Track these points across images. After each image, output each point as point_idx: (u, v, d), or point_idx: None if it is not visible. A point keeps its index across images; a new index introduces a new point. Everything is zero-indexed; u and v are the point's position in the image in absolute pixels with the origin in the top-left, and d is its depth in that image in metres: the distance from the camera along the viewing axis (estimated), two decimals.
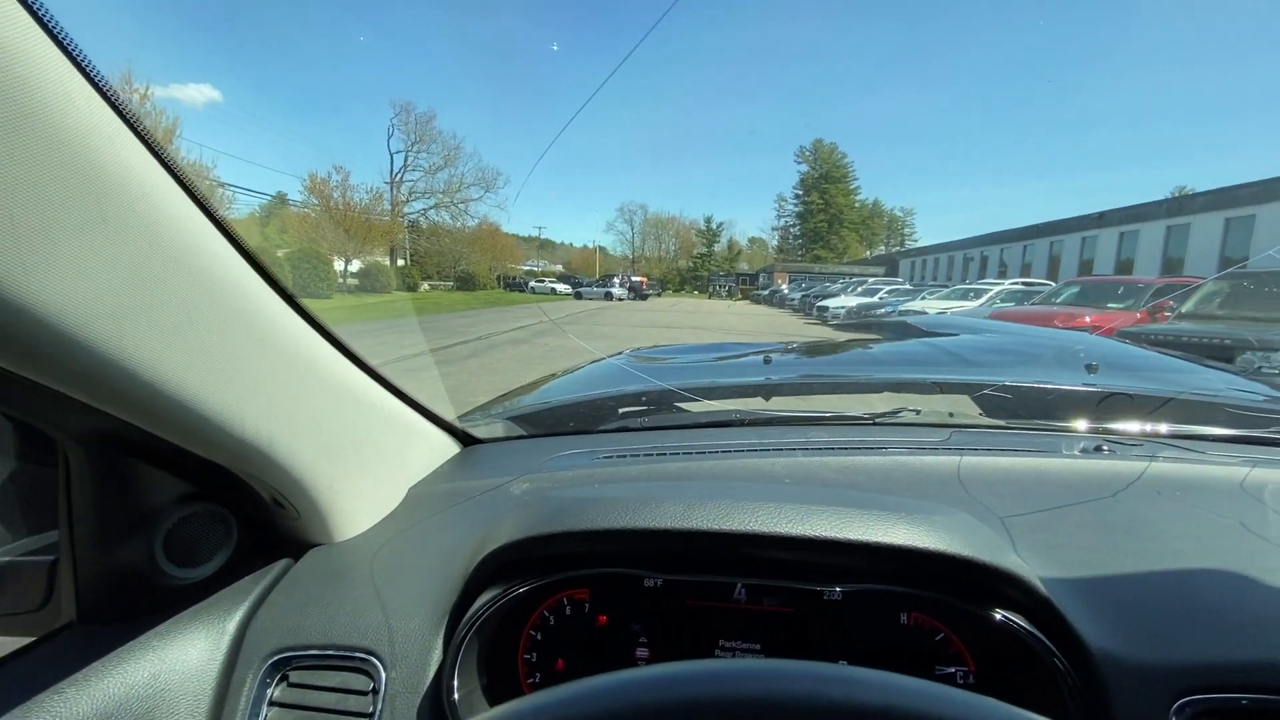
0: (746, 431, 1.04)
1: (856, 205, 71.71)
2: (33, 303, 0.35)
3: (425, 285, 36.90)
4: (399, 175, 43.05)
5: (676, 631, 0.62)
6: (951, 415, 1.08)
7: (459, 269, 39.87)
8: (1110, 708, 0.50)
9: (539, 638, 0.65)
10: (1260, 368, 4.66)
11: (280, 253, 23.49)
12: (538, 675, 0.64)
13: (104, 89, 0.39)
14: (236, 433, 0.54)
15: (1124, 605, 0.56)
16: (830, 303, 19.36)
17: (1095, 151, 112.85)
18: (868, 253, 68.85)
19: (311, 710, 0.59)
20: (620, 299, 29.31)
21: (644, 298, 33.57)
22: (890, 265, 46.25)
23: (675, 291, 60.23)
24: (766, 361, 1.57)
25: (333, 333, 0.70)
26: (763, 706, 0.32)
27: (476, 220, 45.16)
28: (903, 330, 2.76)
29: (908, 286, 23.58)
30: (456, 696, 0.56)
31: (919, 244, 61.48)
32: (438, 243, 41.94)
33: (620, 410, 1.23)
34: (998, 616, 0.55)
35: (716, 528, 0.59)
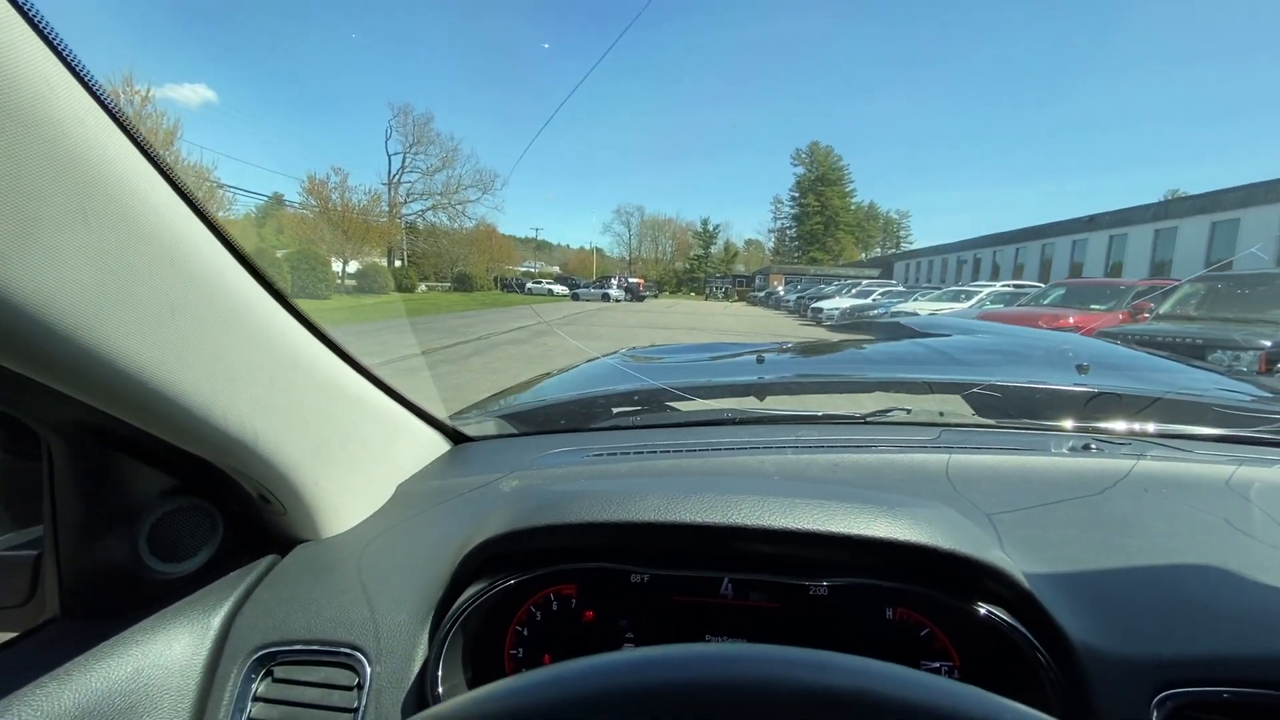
0: (738, 430, 1.04)
1: (852, 208, 72.06)
2: (10, 293, 0.35)
3: (422, 286, 36.93)
4: (397, 177, 43.10)
5: (663, 627, 0.62)
6: (942, 414, 1.09)
7: (456, 270, 39.86)
8: (1092, 701, 0.50)
9: (526, 633, 0.65)
10: (1230, 366, 4.76)
11: (279, 254, 23.46)
12: (524, 671, 0.64)
13: (85, 79, 0.39)
14: (221, 427, 0.54)
15: (1107, 600, 0.56)
16: (824, 304, 19.52)
17: (1090, 154, 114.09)
18: (863, 255, 69.22)
19: (296, 705, 0.59)
20: (617, 300, 29.36)
21: (641, 299, 33.63)
22: (885, 267, 46.46)
23: (672, 293, 60.38)
24: (760, 361, 1.58)
25: (322, 329, 0.69)
26: (719, 691, 0.32)
27: (474, 222, 45.24)
28: (896, 331, 2.78)
29: (900, 288, 23.81)
30: (441, 690, 0.56)
31: (914, 246, 61.80)
32: (435, 244, 41.95)
33: (613, 409, 1.23)
34: (981, 611, 0.55)
35: (699, 520, 0.59)
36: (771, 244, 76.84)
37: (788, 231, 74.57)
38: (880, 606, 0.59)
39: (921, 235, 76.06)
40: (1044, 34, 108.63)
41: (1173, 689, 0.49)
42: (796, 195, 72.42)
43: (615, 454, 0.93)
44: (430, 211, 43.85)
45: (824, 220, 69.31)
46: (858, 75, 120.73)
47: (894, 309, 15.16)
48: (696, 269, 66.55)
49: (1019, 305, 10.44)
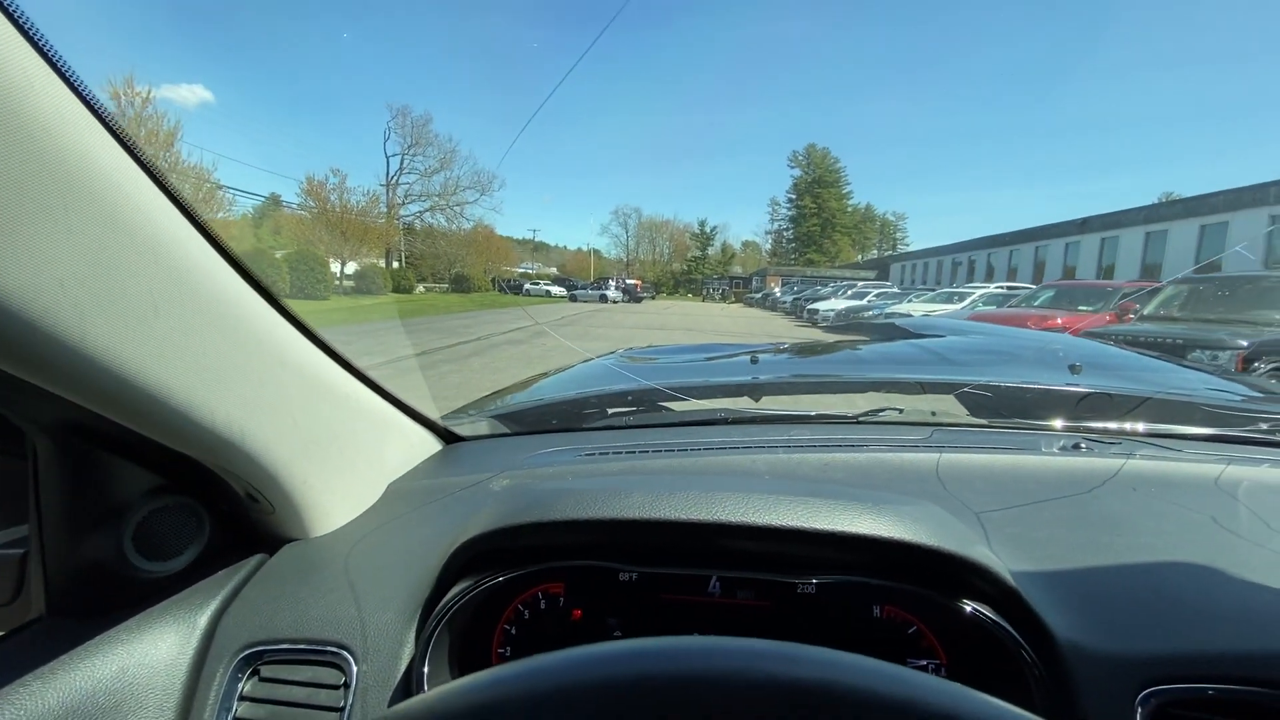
0: (731, 430, 1.04)
1: (849, 210, 72.12)
2: None
3: (420, 288, 36.92)
4: (395, 178, 43.05)
5: (651, 626, 0.62)
6: (934, 414, 1.09)
7: (454, 271, 39.81)
8: (1076, 698, 0.50)
9: (514, 632, 0.64)
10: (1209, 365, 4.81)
11: (278, 254, 23.40)
12: None
13: (68, 76, 0.39)
14: (208, 426, 0.53)
15: (1093, 597, 0.56)
16: (820, 305, 19.60)
17: (1088, 156, 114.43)
18: (860, 257, 69.37)
19: (282, 705, 0.59)
20: (615, 301, 29.40)
21: (638, 300, 33.71)
22: (882, 269, 46.60)
23: (669, 294, 60.40)
24: (754, 362, 1.58)
25: (311, 328, 0.69)
26: (695, 684, 0.32)
27: (472, 223, 45.20)
28: (890, 332, 2.78)
29: (895, 290, 24.00)
30: (427, 688, 0.56)
31: (910, 248, 62.01)
32: (433, 245, 41.91)
33: (607, 409, 1.22)
34: (968, 608, 0.55)
35: (684, 517, 0.59)
36: (768, 246, 76.96)
37: (785, 233, 74.65)
38: (868, 604, 0.59)
39: (918, 237, 76.36)
40: (1042, 36, 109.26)
41: (1157, 686, 0.49)
42: (793, 197, 72.52)
43: (607, 453, 0.93)
44: (428, 213, 43.89)
45: (821, 222, 69.39)
46: (855, 77, 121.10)
47: (888, 310, 15.27)
48: (694, 270, 66.60)
49: (1009, 306, 10.58)
